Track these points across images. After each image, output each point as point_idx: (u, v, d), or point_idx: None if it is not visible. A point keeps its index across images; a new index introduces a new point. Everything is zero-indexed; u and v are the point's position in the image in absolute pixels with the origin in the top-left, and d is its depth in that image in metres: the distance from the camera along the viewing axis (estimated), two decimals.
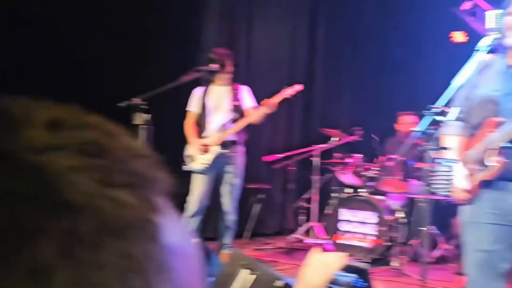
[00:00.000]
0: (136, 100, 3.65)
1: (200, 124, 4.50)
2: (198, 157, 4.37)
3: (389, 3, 6.95)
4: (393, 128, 5.74)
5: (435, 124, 2.27)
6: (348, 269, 1.27)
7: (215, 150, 4.31)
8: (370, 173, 5.08)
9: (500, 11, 2.25)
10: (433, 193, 2.49)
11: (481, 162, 2.23)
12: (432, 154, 2.43)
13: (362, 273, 1.27)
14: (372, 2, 6.96)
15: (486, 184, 2.24)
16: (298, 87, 4.28)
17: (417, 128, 2.18)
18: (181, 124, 4.56)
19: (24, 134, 0.34)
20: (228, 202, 4.42)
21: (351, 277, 1.29)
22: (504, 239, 2.22)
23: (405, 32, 6.93)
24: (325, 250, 1.33)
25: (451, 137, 2.38)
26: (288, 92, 4.26)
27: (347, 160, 5.30)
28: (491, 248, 2.23)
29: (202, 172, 4.35)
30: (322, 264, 1.29)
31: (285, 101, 4.46)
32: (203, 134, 4.44)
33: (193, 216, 4.33)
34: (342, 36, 6.97)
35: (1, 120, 0.35)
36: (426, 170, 2.21)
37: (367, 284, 1.28)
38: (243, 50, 6.12)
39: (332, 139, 5.57)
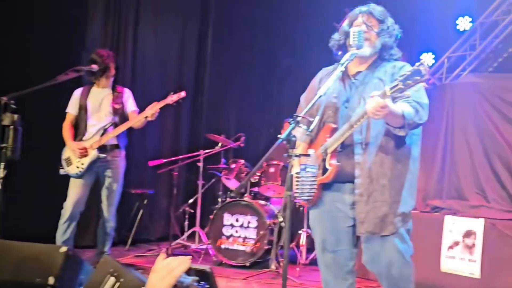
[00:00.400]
0: (4, 99, 3.39)
1: (80, 126, 4.31)
2: (75, 160, 4.18)
3: (277, 14, 7.22)
4: (279, 135, 5.92)
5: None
6: (192, 272, 1.29)
7: (94, 154, 4.14)
8: (253, 178, 5.21)
9: (358, 28, 2.43)
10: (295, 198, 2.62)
11: (319, 166, 2.39)
12: (298, 160, 2.56)
13: (206, 276, 1.30)
14: (261, 12, 7.17)
15: (325, 187, 2.40)
16: (182, 94, 4.25)
17: (281, 135, 2.27)
18: (60, 125, 4.33)
19: None
20: (107, 208, 4.27)
21: (194, 280, 1.31)
22: (347, 239, 2.39)
23: (292, 42, 7.23)
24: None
25: (302, 145, 2.53)
26: (172, 98, 4.21)
27: (232, 165, 5.39)
28: (337, 249, 2.40)
29: (78, 176, 4.16)
30: (167, 269, 1.30)
31: (171, 106, 4.40)
32: (83, 137, 4.25)
33: (67, 221, 4.11)
34: (230, 44, 7.09)
35: None
36: (289, 176, 2.29)
37: (209, 286, 1.30)
38: (130, 52, 5.97)
39: (220, 144, 5.63)
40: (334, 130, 2.38)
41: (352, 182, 2.34)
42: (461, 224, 4.12)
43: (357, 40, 2.42)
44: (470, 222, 4.08)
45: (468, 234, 4.07)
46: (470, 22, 6.21)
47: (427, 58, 6.46)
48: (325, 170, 2.38)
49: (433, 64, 6.39)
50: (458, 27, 6.29)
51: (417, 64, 2.02)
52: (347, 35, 2.48)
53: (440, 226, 4.23)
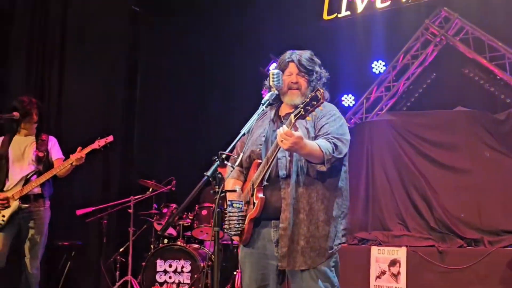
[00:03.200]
0: None
1: (0, 176, 4.13)
2: None
3: (204, 58, 7.41)
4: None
5: (223, 168, 2.47)
6: None
7: (15, 204, 3.97)
8: (185, 222, 5.18)
9: (276, 70, 2.59)
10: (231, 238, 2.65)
11: (250, 202, 2.46)
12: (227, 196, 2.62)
13: None
14: (188, 57, 7.32)
15: (255, 224, 2.46)
16: (109, 138, 4.21)
17: (207, 173, 2.32)
18: None
19: None
20: (30, 262, 4.04)
21: None
22: (272, 276, 2.43)
23: (220, 86, 7.43)
24: None
25: (231, 181, 2.60)
26: (99, 143, 4.17)
27: (164, 210, 5.34)
28: (262, 284, 2.44)
29: None
30: None
31: (99, 151, 4.34)
32: (4, 187, 4.07)
33: None
34: (160, 88, 7.15)
35: None
36: (216, 212, 2.34)
37: None
38: (54, 98, 5.86)
39: (151, 189, 5.57)
40: (259, 165, 2.46)
41: (277, 218, 2.38)
42: (386, 254, 4.32)
43: (276, 81, 2.56)
44: (394, 251, 4.29)
45: (393, 262, 4.27)
46: (383, 65, 6.71)
47: (348, 100, 6.87)
48: (254, 205, 2.42)
49: (353, 105, 6.80)
50: (373, 70, 6.77)
51: (314, 91, 2.14)
52: None
53: (368, 257, 4.41)
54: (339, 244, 2.43)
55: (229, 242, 5.18)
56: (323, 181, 2.39)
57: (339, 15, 6.89)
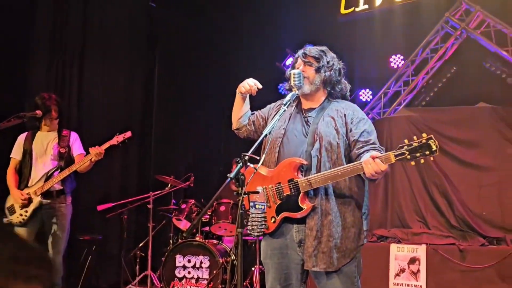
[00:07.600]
0: None
1: (24, 172, 4.20)
2: (18, 209, 4.05)
3: (222, 55, 7.40)
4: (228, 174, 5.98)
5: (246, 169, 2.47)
6: None
7: (37, 200, 4.04)
8: (204, 218, 5.22)
9: (296, 70, 2.58)
10: (248, 234, 2.67)
11: (281, 198, 2.45)
12: (247, 197, 2.62)
13: None
14: (206, 54, 7.33)
15: (285, 220, 2.45)
16: (127, 134, 4.23)
17: (230, 174, 2.33)
18: (4, 172, 4.20)
19: None
20: (53, 257, 4.11)
21: None
22: (295, 275, 2.43)
23: (237, 83, 7.40)
24: None
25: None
26: (117, 139, 4.20)
27: (182, 206, 5.38)
28: (285, 284, 2.45)
29: (21, 225, 4.02)
30: None
31: (117, 148, 4.38)
32: (28, 183, 4.14)
33: None
34: (178, 86, 7.18)
35: None
36: (239, 213, 2.34)
37: None
38: (74, 95, 5.93)
39: (170, 185, 5.62)
40: (299, 166, 2.41)
41: (298, 223, 2.38)
42: (406, 252, 4.30)
43: (297, 81, 2.56)
44: (414, 249, 4.27)
45: (413, 260, 4.25)
46: (402, 60, 6.64)
47: (365, 95, 6.81)
48: (297, 207, 2.39)
49: (370, 100, 6.75)
50: (392, 64, 6.71)
51: (425, 136, 2.08)
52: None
53: (387, 254, 4.40)
54: (362, 245, 2.43)
55: (247, 238, 5.20)
56: (350, 181, 2.38)
57: (357, 9, 6.83)
